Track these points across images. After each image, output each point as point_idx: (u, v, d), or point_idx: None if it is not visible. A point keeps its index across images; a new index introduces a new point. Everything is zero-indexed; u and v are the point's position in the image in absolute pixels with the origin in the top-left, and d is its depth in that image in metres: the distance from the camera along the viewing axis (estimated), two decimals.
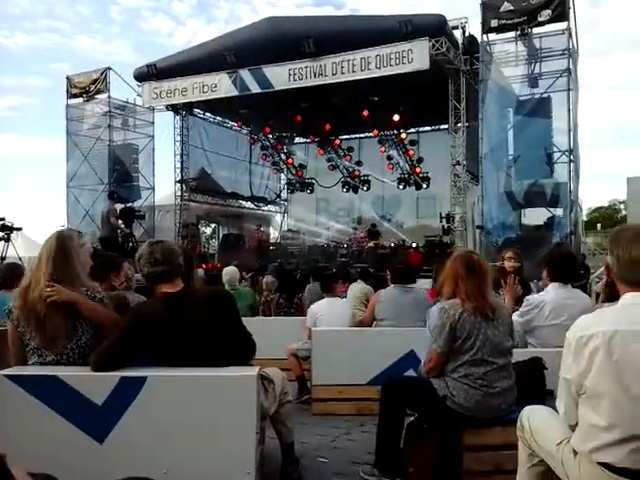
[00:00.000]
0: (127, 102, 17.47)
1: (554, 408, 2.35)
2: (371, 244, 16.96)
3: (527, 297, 4.31)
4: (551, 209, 12.38)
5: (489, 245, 11.91)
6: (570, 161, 11.89)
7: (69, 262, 3.00)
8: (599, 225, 36.87)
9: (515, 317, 4.00)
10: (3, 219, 11.76)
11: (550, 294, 4.16)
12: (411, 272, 5.53)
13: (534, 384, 3.41)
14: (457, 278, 3.34)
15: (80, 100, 17.32)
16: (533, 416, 2.51)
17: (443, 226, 14.98)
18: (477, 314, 3.24)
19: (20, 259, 10.57)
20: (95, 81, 16.82)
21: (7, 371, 2.81)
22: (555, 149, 12.07)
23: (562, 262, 4.32)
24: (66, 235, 3.07)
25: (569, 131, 11.88)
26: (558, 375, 2.23)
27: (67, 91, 17.30)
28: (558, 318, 3.99)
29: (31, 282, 2.99)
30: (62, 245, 3.01)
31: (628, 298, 2.12)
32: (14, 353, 3.02)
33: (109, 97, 16.93)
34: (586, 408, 2.10)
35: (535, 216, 12.76)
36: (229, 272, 7.44)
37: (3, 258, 11.46)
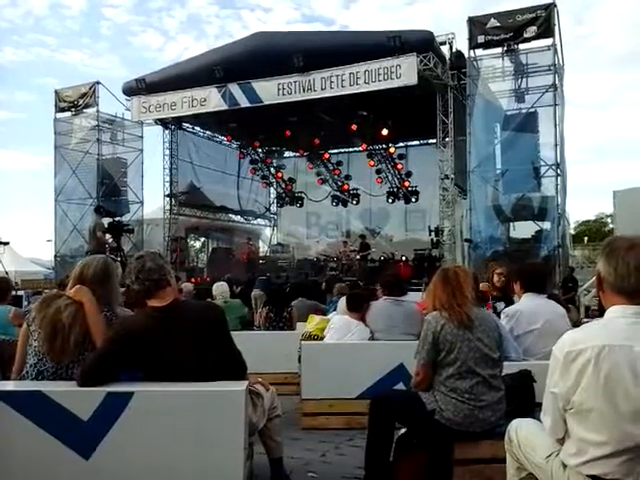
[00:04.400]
0: (116, 116, 17.49)
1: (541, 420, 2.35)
2: (358, 256, 16.97)
3: (504, 310, 4.38)
4: (539, 222, 12.48)
5: (478, 258, 11.97)
6: (557, 175, 12.02)
7: (107, 284, 3.13)
8: (586, 238, 37.15)
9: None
10: None
11: (524, 303, 4.28)
12: (402, 284, 5.53)
13: (523, 397, 3.40)
14: (436, 291, 3.38)
15: (68, 114, 17.31)
16: (521, 429, 2.50)
17: (432, 239, 15.06)
18: (459, 325, 3.24)
19: (7, 273, 10.48)
20: (84, 95, 16.81)
21: None
22: (542, 163, 12.21)
23: (532, 273, 4.45)
24: (110, 262, 3.26)
25: (555, 145, 12.03)
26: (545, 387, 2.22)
27: (55, 105, 17.29)
28: (536, 323, 4.08)
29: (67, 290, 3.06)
30: (106, 267, 3.18)
31: (616, 311, 2.09)
32: (20, 353, 3.07)
33: (98, 111, 16.92)
34: (574, 423, 2.09)
35: (523, 229, 12.84)
36: (220, 285, 7.46)
37: None
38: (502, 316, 4.22)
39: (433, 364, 3.27)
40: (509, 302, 5.36)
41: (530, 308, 4.17)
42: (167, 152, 18.10)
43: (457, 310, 3.26)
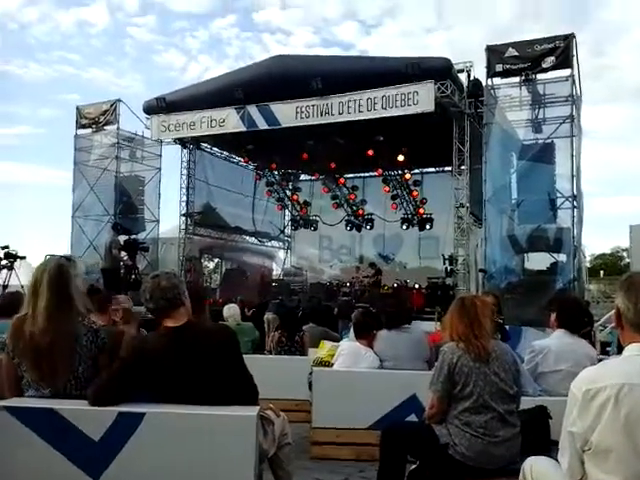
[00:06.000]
0: (135, 134, 17.64)
1: (557, 459, 2.30)
2: (371, 280, 16.91)
3: (532, 343, 4.26)
4: (554, 254, 12.36)
5: (492, 288, 11.85)
6: (573, 207, 11.93)
7: (69, 294, 2.95)
8: (602, 272, 36.75)
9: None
10: (7, 247, 11.78)
11: (555, 340, 4.13)
12: (403, 314, 5.46)
13: (538, 433, 3.35)
14: (451, 321, 3.34)
15: (89, 131, 17.50)
16: (536, 467, 2.45)
17: (446, 268, 14.94)
18: (476, 358, 3.20)
19: (22, 287, 10.55)
20: (105, 112, 17.02)
21: (4, 402, 2.77)
22: (558, 195, 12.12)
23: (573, 310, 4.32)
24: (64, 264, 3.01)
25: (572, 177, 11.96)
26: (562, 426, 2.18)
27: (76, 121, 17.48)
28: (563, 364, 3.95)
29: (28, 312, 2.92)
30: (61, 276, 2.96)
31: (635, 349, 2.07)
32: (9, 387, 2.93)
33: (118, 129, 17.09)
34: (592, 465, 2.04)
35: (538, 261, 12.72)
36: (231, 307, 7.44)
37: (5, 286, 11.44)
38: (528, 350, 4.13)
39: (448, 396, 3.22)
40: (503, 334, 5.31)
41: (560, 347, 4.05)
42: (184, 171, 18.19)
43: (474, 342, 3.22)
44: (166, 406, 2.77)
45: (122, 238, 15.43)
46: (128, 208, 17.29)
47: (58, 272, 2.97)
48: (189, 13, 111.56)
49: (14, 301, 5.28)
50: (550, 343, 4.12)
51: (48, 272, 2.97)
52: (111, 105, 17.04)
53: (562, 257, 12.17)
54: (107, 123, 17.14)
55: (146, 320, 3.91)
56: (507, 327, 6.31)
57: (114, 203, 16.95)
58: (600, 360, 3.51)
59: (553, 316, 4.29)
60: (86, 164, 17.40)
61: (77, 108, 17.55)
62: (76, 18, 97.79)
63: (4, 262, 11.48)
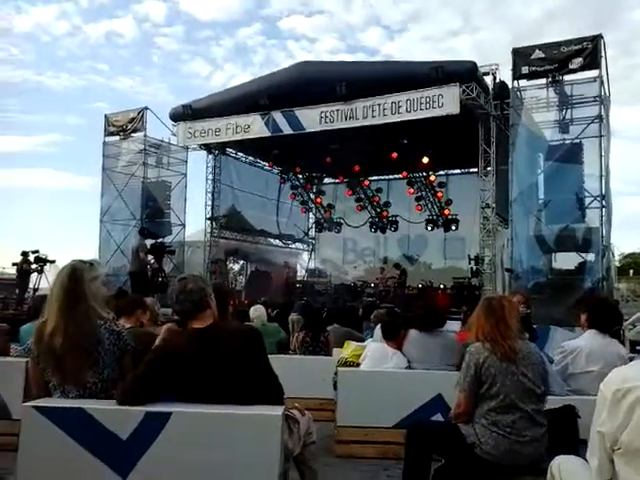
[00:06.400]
0: (162, 141, 17.87)
1: (586, 458, 2.26)
2: (396, 281, 16.84)
3: (562, 343, 4.19)
4: (582, 254, 12.18)
5: (519, 288, 11.72)
6: (602, 206, 11.75)
7: (81, 294, 2.97)
8: (632, 271, 36.10)
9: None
10: (37, 251, 12.02)
11: (586, 340, 4.06)
12: (436, 316, 5.37)
13: (566, 433, 3.29)
14: (477, 321, 3.31)
15: (117, 138, 17.77)
16: (564, 466, 2.42)
17: (472, 268, 14.87)
18: (503, 358, 3.17)
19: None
20: (132, 120, 17.27)
21: (34, 402, 2.81)
22: (586, 194, 11.95)
23: (605, 310, 4.24)
24: (77, 267, 3.03)
25: (601, 177, 11.77)
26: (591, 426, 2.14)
27: (105, 129, 17.77)
28: (594, 365, 3.89)
29: (47, 317, 2.96)
30: (74, 278, 2.98)
31: None
32: (38, 391, 2.98)
33: (145, 136, 17.34)
34: (623, 464, 2.01)
35: (566, 261, 12.55)
36: (258, 308, 7.48)
37: (36, 289, 11.67)
38: (559, 350, 4.06)
39: (474, 396, 3.19)
40: (531, 334, 5.21)
41: (591, 347, 3.98)
42: (210, 176, 18.38)
43: (501, 343, 3.19)
44: (192, 406, 2.78)
45: (149, 242, 15.63)
46: (155, 212, 17.51)
47: (71, 275, 2.99)
48: (215, 22, 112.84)
49: (42, 304, 5.39)
50: (581, 343, 4.05)
51: (61, 275, 3.01)
52: (138, 113, 17.28)
53: (590, 256, 11.98)
54: (134, 130, 17.39)
55: (172, 322, 3.94)
56: (535, 326, 6.21)
57: (141, 208, 17.17)
58: (631, 359, 3.44)
59: (583, 316, 4.22)
60: (114, 170, 17.68)
61: (105, 116, 17.86)
62: (105, 29, 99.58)
63: (34, 266, 11.70)
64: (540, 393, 3.20)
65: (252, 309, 7.60)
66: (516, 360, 3.19)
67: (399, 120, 13.47)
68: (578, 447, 3.01)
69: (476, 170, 14.79)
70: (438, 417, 4.34)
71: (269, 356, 3.08)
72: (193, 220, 18.87)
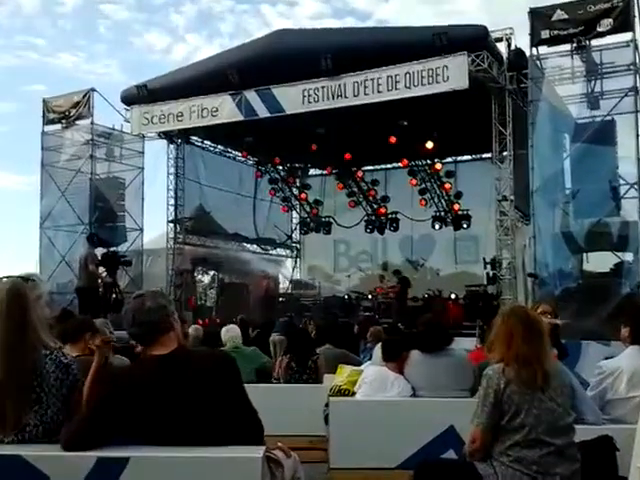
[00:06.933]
0: (113, 129, 17.78)
1: None
2: (394, 291, 16.87)
3: (600, 363, 4.16)
4: (618, 253, 12.26)
5: (544, 296, 11.77)
6: None
7: (26, 320, 2.91)
8: None
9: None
10: None
11: (628, 359, 4.00)
12: (441, 333, 5.36)
13: (603, 469, 3.31)
14: (511, 339, 3.29)
15: (58, 127, 17.67)
16: None
17: (487, 273, 14.91)
18: (530, 383, 3.18)
19: None
20: (76, 105, 17.16)
21: None
22: (621, 182, 12.03)
23: None
24: (19, 286, 2.96)
25: (638, 160, 11.85)
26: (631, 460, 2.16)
27: (43, 116, 17.65)
28: (638, 390, 3.83)
29: None
30: (16, 300, 2.92)
31: None
32: None
33: (92, 123, 17.22)
34: None
35: (599, 262, 12.62)
36: (230, 329, 7.45)
37: None
38: (596, 372, 4.03)
39: (494, 429, 3.20)
40: (560, 350, 5.22)
41: (635, 367, 3.90)
42: (172, 170, 18.35)
43: (535, 366, 3.19)
44: (154, 449, 2.76)
45: (99, 251, 15.53)
46: (106, 216, 17.40)
47: (12, 296, 2.92)
48: None
49: None
50: (622, 363, 3.99)
51: (0, 297, 2.94)
52: (84, 96, 17.17)
53: (628, 256, 12.06)
54: (79, 117, 17.28)
55: (125, 347, 3.94)
56: (563, 341, 6.24)
57: (89, 210, 17.03)
58: None
59: (625, 330, 4.15)
60: (56, 166, 17.56)
61: (44, 101, 17.76)
62: None
63: None
64: (571, 422, 3.22)
65: (224, 330, 7.58)
66: (545, 385, 3.20)
67: (397, 98, 13.51)
68: None
69: (490, 156, 14.88)
70: (450, 454, 4.34)
71: (246, 386, 3.07)
72: (153, 224, 18.75)
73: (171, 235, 18.36)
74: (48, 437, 2.89)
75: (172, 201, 18.36)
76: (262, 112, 14.91)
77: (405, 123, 15.52)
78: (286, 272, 23.68)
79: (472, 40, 12.90)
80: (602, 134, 12.10)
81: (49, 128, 17.81)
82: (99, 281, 14.96)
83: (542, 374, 3.20)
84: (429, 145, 16.56)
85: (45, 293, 3.22)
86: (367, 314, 16.18)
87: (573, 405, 3.29)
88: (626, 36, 12.04)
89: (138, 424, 2.83)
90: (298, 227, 23.78)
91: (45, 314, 3.12)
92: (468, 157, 20.31)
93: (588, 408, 3.75)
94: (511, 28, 13.67)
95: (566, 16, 12.23)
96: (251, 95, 14.91)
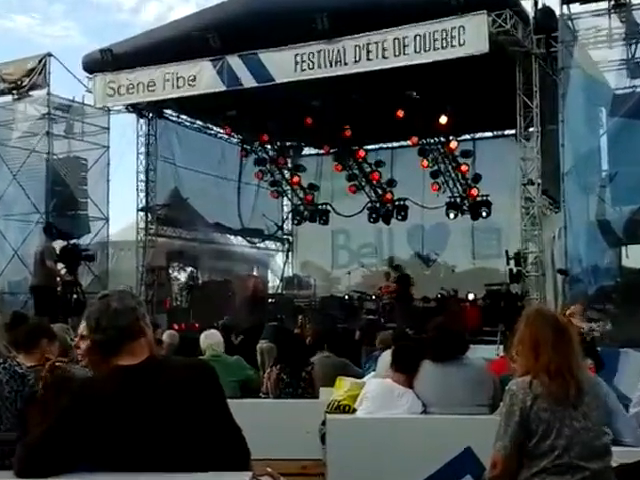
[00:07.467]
0: (73, 101, 17.77)
1: None
2: (394, 290, 16.88)
3: None
4: None
5: (577, 296, 11.81)
6: None
7: None
8: None
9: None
10: None
11: None
12: (454, 340, 5.39)
13: None
14: (539, 347, 3.30)
15: (9, 98, 17.64)
16: None
17: (511, 270, 14.92)
18: (561, 400, 3.18)
19: None
20: (30, 72, 17.08)
21: None
22: None
23: None
24: None
25: None
26: None
27: None
28: None
29: None
30: None
31: None
32: None
33: (48, 94, 17.16)
34: None
35: None
36: (210, 335, 7.44)
37: None
38: None
39: (519, 452, 3.20)
40: (597, 360, 5.24)
41: None
42: (142, 150, 18.34)
43: (567, 379, 3.20)
44: (120, 476, 2.76)
45: (58, 244, 15.51)
46: (65, 203, 17.39)
47: None
48: None
49: None
50: None
51: None
52: (39, 62, 17.09)
53: None
54: (33, 87, 17.22)
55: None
56: (599, 349, 6.28)
57: (46, 196, 17.03)
58: None
59: None
60: (6, 144, 17.54)
61: None
62: None
63: None
64: (608, 443, 3.23)
65: (203, 336, 7.58)
66: (577, 401, 3.21)
67: (405, 64, 13.48)
68: None
69: (514, 132, 14.86)
70: None
71: (230, 401, 3.07)
72: (120, 212, 18.79)
73: (141, 225, 18.34)
74: (1, 459, 2.90)
75: (142, 186, 18.34)
76: (248, 81, 14.87)
77: (415, 94, 15.49)
78: (276, 269, 23.70)
79: None
80: None
81: None
82: (57, 279, 14.95)
83: (575, 388, 3.21)
84: (443, 120, 16.57)
85: None
86: (370, 317, 16.19)
87: (608, 423, 3.29)
88: None
89: (101, 446, 2.82)
90: (290, 216, 23.77)
91: None
92: (488, 134, 20.32)
93: (626, 427, 3.77)
94: None
95: None
96: (234, 61, 14.86)
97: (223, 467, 2.86)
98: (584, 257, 12.26)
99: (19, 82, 17.26)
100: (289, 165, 22.32)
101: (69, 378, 3.47)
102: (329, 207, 22.06)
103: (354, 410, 5.55)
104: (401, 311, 16.16)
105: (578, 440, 3.16)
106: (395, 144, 21.20)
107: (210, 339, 7.46)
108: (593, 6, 12.59)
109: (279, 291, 21.70)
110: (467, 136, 19.89)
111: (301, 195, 22.42)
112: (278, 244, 23.90)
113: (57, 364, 4.00)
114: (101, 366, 3.08)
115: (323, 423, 5.41)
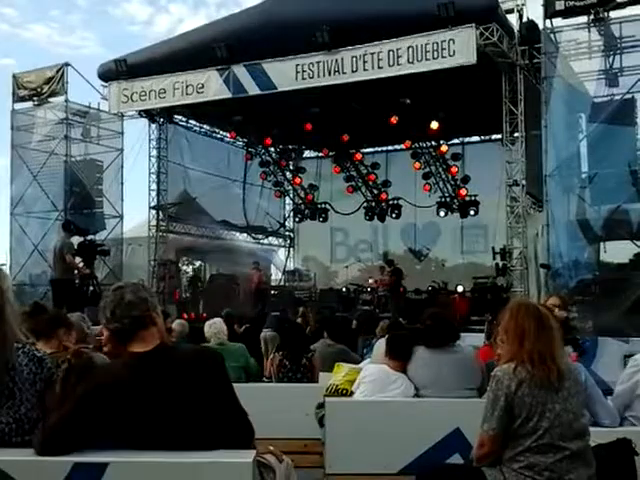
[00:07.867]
0: (89, 107, 17.77)
1: None
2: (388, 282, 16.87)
3: (635, 357, 4.19)
4: (638, 243, 12.31)
5: (558, 289, 11.82)
6: None
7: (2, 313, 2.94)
8: None
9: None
10: None
11: None
12: (448, 328, 5.40)
13: (620, 475, 3.33)
14: (523, 335, 3.30)
15: (29, 104, 17.63)
16: None
17: (497, 264, 14.96)
18: (543, 384, 3.19)
19: None
20: (49, 80, 17.09)
21: None
22: None
23: None
24: None
25: None
26: None
27: (13, 93, 17.58)
28: None
29: None
30: None
31: None
32: None
33: (66, 101, 17.20)
34: None
35: (618, 252, 12.69)
36: (214, 323, 7.45)
37: None
38: (630, 364, 4.06)
39: (504, 434, 3.21)
40: (577, 348, 5.23)
41: None
42: (154, 152, 18.36)
43: (549, 365, 3.20)
44: (134, 453, 2.75)
45: (75, 240, 15.47)
46: (82, 201, 17.42)
47: None
48: None
49: None
50: None
51: None
52: (57, 71, 17.11)
53: None
54: (53, 94, 17.23)
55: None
56: (579, 338, 6.26)
57: (64, 196, 17.05)
58: None
59: None
60: (27, 147, 17.54)
61: (13, 76, 17.66)
62: None
63: None
64: (586, 424, 3.24)
65: (207, 325, 7.57)
66: (558, 386, 3.21)
67: (399, 74, 13.51)
68: None
69: (500, 137, 14.86)
70: (456, 459, 4.36)
71: (236, 385, 3.07)
72: (133, 210, 18.85)
73: (153, 223, 18.35)
74: (21, 436, 2.88)
75: (154, 186, 18.35)
76: (252, 89, 14.89)
77: (408, 101, 15.48)
78: (279, 263, 23.70)
79: (481, 11, 12.91)
80: (621, 114, 12.16)
81: (19, 106, 17.76)
82: (75, 272, 14.94)
83: (556, 373, 3.21)
84: (434, 125, 16.55)
85: (11, 285, 3.20)
86: (366, 308, 16.23)
87: (587, 406, 3.30)
88: None
89: (117, 427, 2.82)
90: (291, 214, 23.80)
91: (16, 306, 3.12)
92: (476, 138, 20.35)
93: (603, 409, 3.78)
94: None
95: None
96: (240, 70, 14.88)
97: (229, 445, 2.86)
98: (565, 253, 12.26)
99: (39, 89, 17.28)
100: (291, 167, 22.38)
101: (91, 364, 3.48)
102: (328, 206, 22.10)
103: (351, 393, 5.54)
104: (395, 302, 16.19)
105: (559, 422, 3.16)
106: (389, 148, 21.31)
107: (213, 328, 7.45)
108: (574, 20, 12.58)
109: (281, 284, 21.72)
110: (456, 140, 19.95)
111: (302, 195, 22.45)
112: (280, 240, 23.95)
113: (82, 350, 4.02)
114: (117, 351, 3.08)
115: (319, 406, 5.41)
